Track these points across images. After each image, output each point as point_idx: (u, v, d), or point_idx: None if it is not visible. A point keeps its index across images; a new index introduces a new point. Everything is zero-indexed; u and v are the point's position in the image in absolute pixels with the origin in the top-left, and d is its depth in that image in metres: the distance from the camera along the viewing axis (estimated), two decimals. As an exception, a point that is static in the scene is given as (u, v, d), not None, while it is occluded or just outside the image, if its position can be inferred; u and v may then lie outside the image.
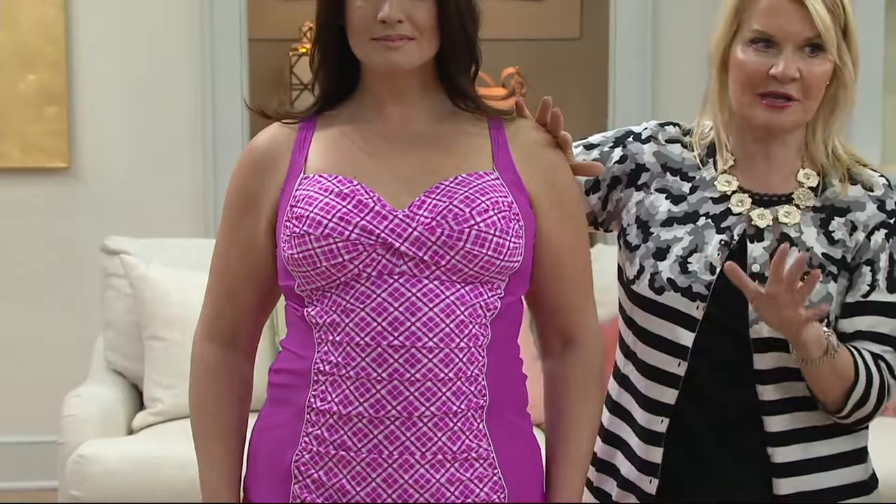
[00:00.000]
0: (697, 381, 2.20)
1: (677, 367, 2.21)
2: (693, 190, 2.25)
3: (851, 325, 2.19)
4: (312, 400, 2.02)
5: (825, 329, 2.12)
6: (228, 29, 5.02)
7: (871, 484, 2.27)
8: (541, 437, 2.13)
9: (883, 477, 2.32)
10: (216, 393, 2.13)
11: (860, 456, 2.25)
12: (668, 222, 2.24)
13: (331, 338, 2.01)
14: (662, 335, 2.22)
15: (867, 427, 2.26)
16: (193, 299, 3.91)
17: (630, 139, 2.30)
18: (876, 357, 2.17)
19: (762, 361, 2.18)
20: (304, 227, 2.00)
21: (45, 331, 5.03)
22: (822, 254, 2.17)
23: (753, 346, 2.17)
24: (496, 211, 2.01)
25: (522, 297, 2.10)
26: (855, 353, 2.15)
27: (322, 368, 2.02)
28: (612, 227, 2.33)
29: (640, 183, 2.28)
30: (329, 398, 2.01)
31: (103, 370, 4.28)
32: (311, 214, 2.00)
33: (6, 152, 4.99)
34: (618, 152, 2.30)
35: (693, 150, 2.27)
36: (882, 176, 2.23)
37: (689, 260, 2.20)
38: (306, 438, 2.03)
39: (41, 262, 5.05)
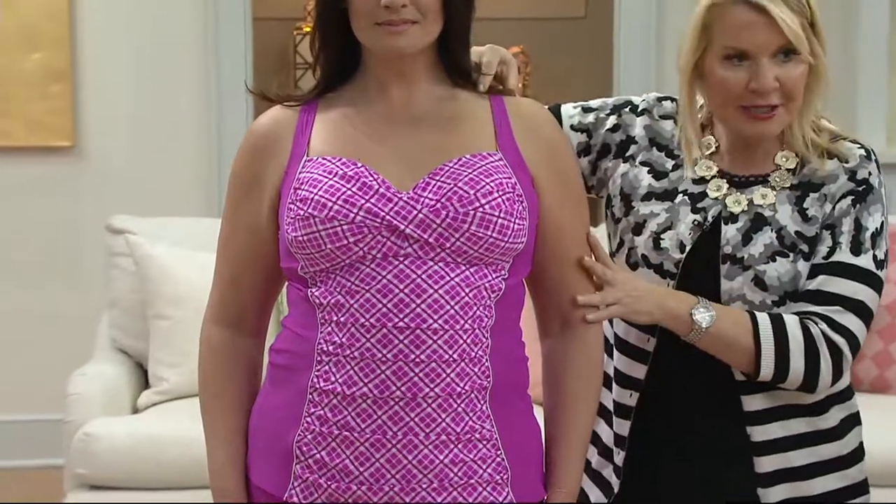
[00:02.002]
0: (669, 358, 2.23)
1: (647, 343, 2.25)
2: (675, 168, 2.27)
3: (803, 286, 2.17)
4: (315, 380, 2.02)
5: (699, 307, 2.12)
6: (233, 8, 5.01)
7: (854, 456, 2.26)
8: (539, 416, 2.14)
9: (871, 451, 2.33)
10: (222, 374, 2.14)
11: (837, 432, 2.23)
12: (648, 197, 2.26)
13: (335, 318, 2.01)
14: None
15: (848, 399, 2.25)
16: (198, 278, 3.96)
17: (627, 109, 2.32)
18: (804, 317, 2.13)
19: None
20: (309, 210, 2.00)
21: (50, 309, 5.03)
22: (795, 232, 2.18)
23: None
24: (500, 193, 2.01)
25: (524, 279, 2.11)
26: (761, 320, 2.13)
27: (326, 349, 2.02)
28: (601, 194, 2.34)
29: (627, 155, 2.29)
30: (333, 378, 2.01)
31: (108, 349, 4.28)
32: (316, 197, 2.00)
33: (10, 131, 4.98)
34: (612, 120, 2.31)
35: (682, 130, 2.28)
36: (861, 147, 2.22)
37: (663, 237, 2.22)
38: (308, 419, 2.03)
39: (45, 241, 5.05)
